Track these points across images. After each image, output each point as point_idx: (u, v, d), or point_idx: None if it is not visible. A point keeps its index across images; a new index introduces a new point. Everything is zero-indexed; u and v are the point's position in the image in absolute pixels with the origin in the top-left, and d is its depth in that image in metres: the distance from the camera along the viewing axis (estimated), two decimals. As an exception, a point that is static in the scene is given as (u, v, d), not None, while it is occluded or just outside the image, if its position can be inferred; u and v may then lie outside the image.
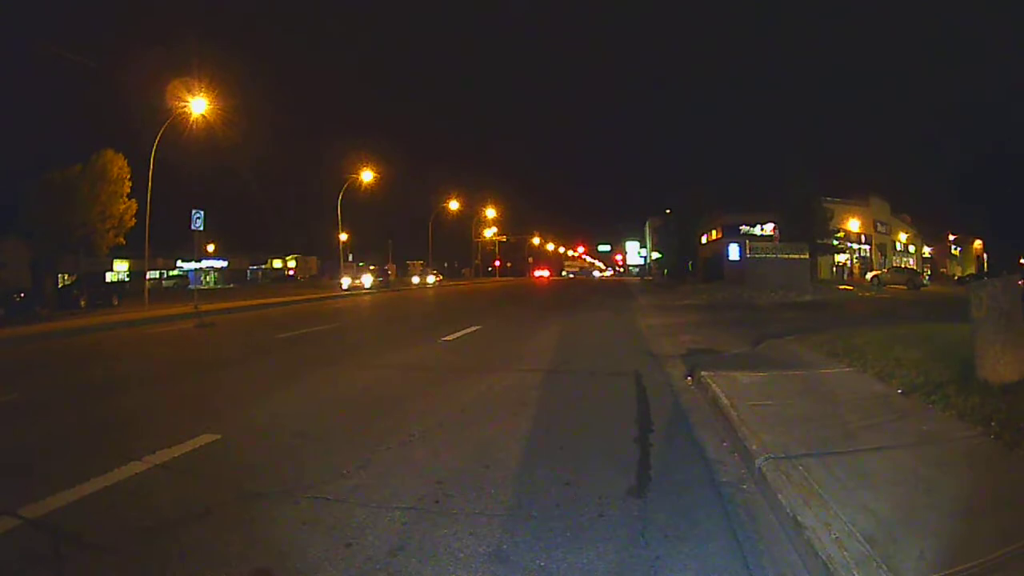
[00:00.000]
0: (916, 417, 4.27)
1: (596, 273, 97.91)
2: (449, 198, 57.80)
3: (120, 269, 47.56)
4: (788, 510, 2.73)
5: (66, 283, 27.89)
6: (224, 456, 3.99)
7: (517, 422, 4.72)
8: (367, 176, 39.63)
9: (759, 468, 3.31)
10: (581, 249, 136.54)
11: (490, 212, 75.56)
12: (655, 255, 70.61)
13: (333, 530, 2.77)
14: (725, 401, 4.78)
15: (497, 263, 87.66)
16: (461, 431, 4.51)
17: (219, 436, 4.34)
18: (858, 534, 2.44)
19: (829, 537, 2.44)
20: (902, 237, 63.42)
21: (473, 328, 11.84)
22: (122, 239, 32.65)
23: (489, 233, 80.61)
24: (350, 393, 6.10)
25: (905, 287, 36.62)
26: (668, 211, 59.32)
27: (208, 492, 3.30)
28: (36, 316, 17.86)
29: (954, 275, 61.98)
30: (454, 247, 76.69)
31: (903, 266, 50.13)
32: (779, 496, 2.88)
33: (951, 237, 73.75)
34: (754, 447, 3.59)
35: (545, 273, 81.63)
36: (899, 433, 3.89)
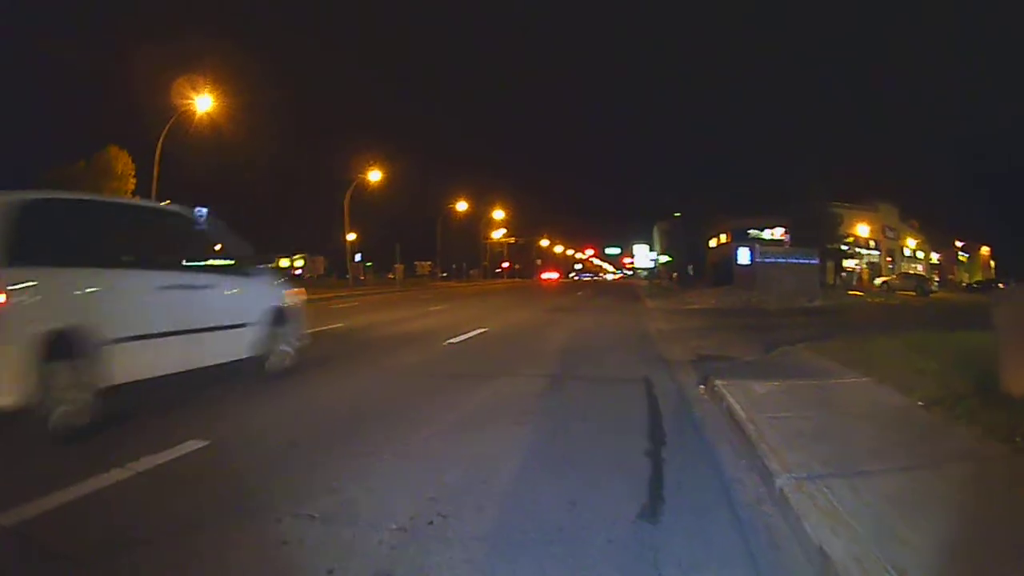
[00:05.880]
0: (941, 433, 4.04)
1: (585, 275, 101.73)
2: (457, 199, 57.68)
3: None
4: (814, 539, 2.50)
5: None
6: (211, 464, 3.79)
7: (520, 433, 4.49)
8: (375, 176, 39.61)
9: (780, 489, 3.07)
10: (590, 251, 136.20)
11: (499, 213, 75.47)
12: (664, 258, 70.39)
13: (316, 553, 2.54)
14: (741, 414, 4.54)
15: (506, 264, 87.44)
16: (460, 442, 4.28)
17: (208, 442, 4.14)
18: (891, 569, 2.21)
19: (859, 572, 2.20)
20: (910, 243, 62.89)
21: (480, 331, 11.64)
22: (127, 236, 32.63)
23: (498, 235, 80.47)
24: (346, 398, 5.89)
25: (914, 293, 36.31)
26: (677, 214, 59.11)
27: (189, 504, 3.11)
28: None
29: (962, 282, 61.38)
30: (463, 248, 76.28)
31: (912, 272, 49.70)
32: (804, 523, 2.64)
33: (959, 244, 73.10)
34: (774, 465, 3.35)
35: (554, 275, 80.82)
36: (927, 451, 3.64)
